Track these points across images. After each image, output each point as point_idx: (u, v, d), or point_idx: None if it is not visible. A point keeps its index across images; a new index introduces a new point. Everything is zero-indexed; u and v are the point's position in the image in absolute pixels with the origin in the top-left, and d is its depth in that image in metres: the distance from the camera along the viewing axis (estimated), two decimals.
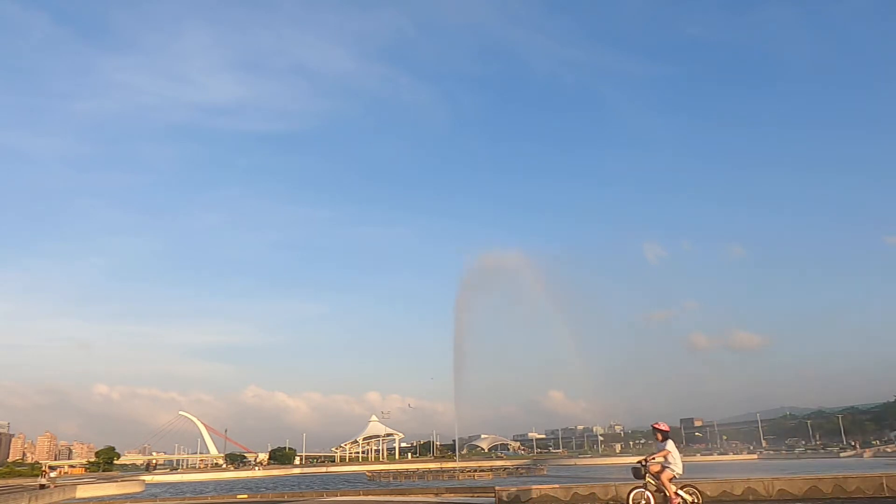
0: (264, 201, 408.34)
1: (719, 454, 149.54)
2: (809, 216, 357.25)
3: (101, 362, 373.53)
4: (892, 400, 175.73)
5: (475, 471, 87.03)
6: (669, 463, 13.52)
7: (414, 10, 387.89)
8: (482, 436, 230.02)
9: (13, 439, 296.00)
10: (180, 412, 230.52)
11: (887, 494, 16.30)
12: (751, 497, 17.18)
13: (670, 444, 13.67)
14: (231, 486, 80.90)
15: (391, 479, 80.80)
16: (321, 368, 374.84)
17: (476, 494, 30.11)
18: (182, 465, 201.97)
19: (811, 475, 17.76)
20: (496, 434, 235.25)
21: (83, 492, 58.33)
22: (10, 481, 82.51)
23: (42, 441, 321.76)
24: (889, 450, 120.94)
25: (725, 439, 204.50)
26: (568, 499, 18.45)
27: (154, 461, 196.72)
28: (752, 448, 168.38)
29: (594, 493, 18.56)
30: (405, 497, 26.76)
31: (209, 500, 31.01)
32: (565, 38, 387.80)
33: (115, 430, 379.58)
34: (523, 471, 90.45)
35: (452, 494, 31.83)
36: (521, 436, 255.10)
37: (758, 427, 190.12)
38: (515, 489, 19.56)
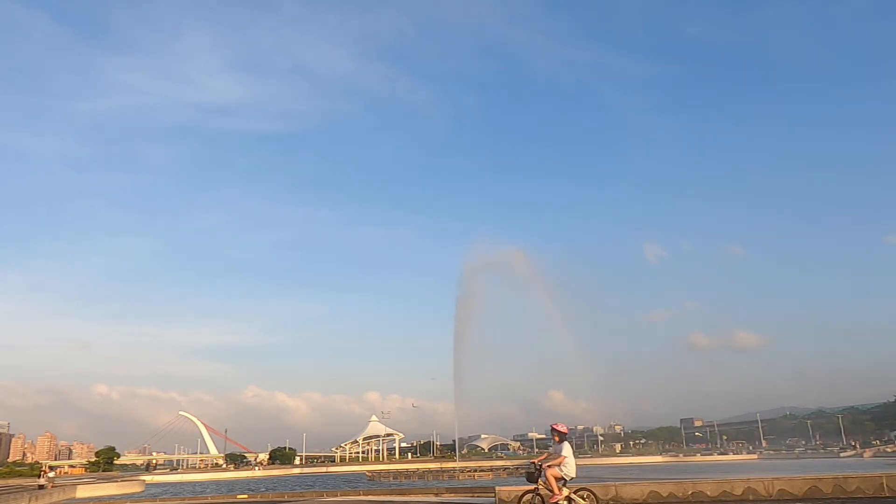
0: (264, 201, 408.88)
1: (719, 454, 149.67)
2: (809, 216, 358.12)
3: (101, 362, 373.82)
4: (892, 400, 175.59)
5: (475, 471, 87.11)
6: (561, 465, 13.36)
7: (414, 10, 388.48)
8: (482, 436, 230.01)
9: (13, 439, 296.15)
10: (180, 412, 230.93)
11: (887, 494, 16.30)
12: (751, 497, 17.17)
13: (566, 447, 13.48)
14: (231, 486, 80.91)
15: (391, 479, 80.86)
16: (321, 368, 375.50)
17: (476, 494, 30.10)
18: (182, 466, 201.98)
19: (811, 475, 17.74)
20: (496, 434, 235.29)
21: (83, 492, 58.33)
22: (10, 481, 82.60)
23: (42, 441, 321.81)
24: (889, 450, 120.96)
25: (725, 439, 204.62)
26: None
27: (154, 461, 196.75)
28: (752, 448, 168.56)
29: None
30: (405, 497, 26.78)
31: (209, 500, 31.04)
32: (565, 38, 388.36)
33: (115, 430, 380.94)
34: (523, 471, 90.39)
35: (452, 494, 31.82)
36: (521, 436, 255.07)
37: (758, 427, 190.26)
38: (516, 489, 19.53)
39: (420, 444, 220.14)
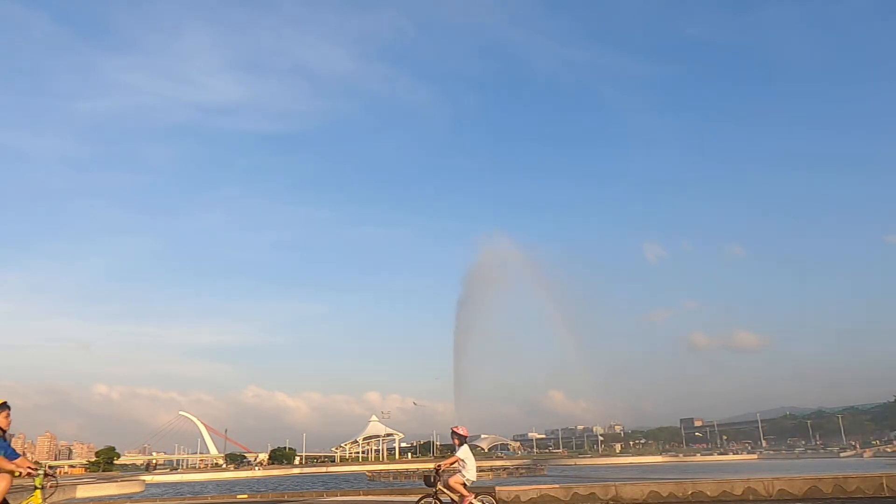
0: (264, 201, 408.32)
1: (719, 454, 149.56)
2: (809, 216, 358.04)
3: (101, 362, 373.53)
4: (892, 400, 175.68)
5: None
6: (462, 469, 13.09)
7: (414, 10, 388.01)
8: (482, 436, 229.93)
9: (13, 439, 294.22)
10: (180, 412, 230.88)
11: (887, 494, 16.29)
12: (751, 497, 17.17)
13: (464, 450, 13.18)
14: (231, 486, 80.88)
15: (391, 479, 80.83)
16: (321, 368, 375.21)
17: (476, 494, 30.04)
18: (182, 465, 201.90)
19: (811, 475, 17.74)
20: (496, 434, 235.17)
21: (83, 492, 58.25)
22: None
23: (42, 441, 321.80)
24: (889, 450, 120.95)
25: (725, 439, 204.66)
26: (568, 499, 18.43)
27: (154, 461, 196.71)
28: (752, 448, 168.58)
29: (594, 492, 18.54)
30: (405, 497, 26.73)
31: (209, 500, 31.00)
32: (565, 38, 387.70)
33: (115, 430, 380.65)
34: (523, 471, 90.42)
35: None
36: (521, 436, 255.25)
37: (758, 427, 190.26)
38: (515, 489, 19.54)
39: (420, 444, 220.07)
